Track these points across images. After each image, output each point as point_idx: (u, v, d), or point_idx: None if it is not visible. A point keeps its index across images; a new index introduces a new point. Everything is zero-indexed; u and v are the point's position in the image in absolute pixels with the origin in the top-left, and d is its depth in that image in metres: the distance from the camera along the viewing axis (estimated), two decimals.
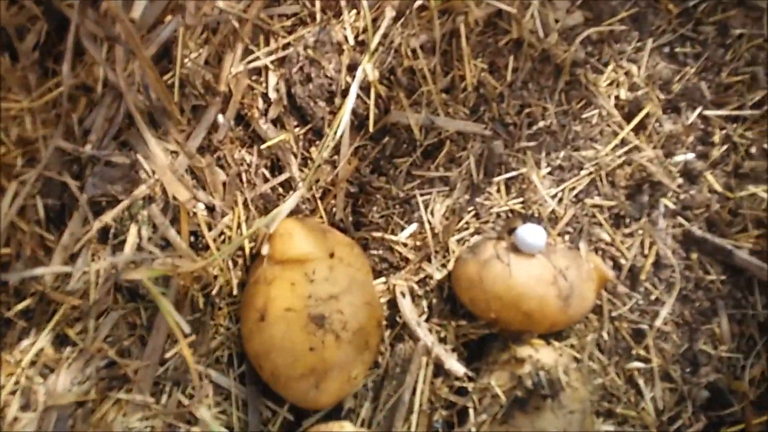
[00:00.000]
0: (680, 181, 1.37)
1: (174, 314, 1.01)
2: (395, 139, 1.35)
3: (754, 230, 1.33)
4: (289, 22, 1.33)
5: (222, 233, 1.23)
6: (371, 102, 1.29)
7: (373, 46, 1.28)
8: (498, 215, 1.33)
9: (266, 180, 1.29)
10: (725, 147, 1.39)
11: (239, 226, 1.25)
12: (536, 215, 1.30)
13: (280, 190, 1.30)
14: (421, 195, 1.34)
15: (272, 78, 1.30)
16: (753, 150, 1.38)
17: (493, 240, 1.24)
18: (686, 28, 1.45)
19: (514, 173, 1.34)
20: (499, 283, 1.16)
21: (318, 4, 1.33)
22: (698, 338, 1.30)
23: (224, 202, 1.23)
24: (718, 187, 1.36)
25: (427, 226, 1.31)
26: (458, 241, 1.31)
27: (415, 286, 1.28)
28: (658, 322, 1.28)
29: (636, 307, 1.30)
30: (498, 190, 1.34)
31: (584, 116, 1.40)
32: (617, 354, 1.28)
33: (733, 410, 1.27)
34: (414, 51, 1.33)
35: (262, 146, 1.27)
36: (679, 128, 1.40)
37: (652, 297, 1.30)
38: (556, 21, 1.39)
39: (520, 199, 1.33)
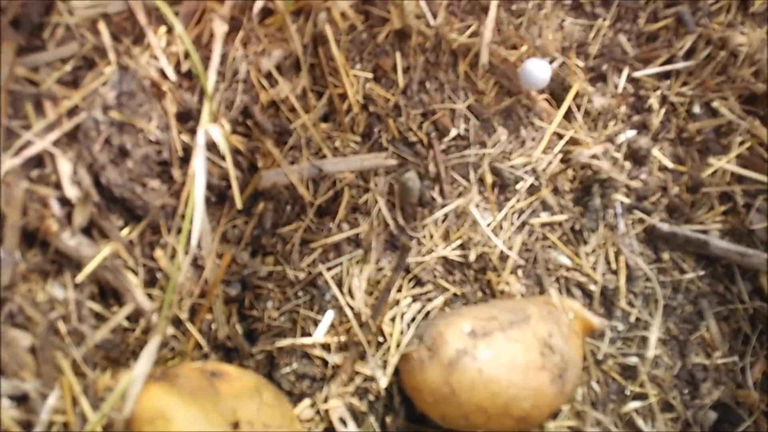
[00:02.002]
0: (627, 166, 1.10)
1: None
2: (274, 203, 0.95)
3: (720, 206, 1.10)
4: (68, 68, 0.84)
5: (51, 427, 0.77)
6: (229, 163, 0.86)
7: (210, 84, 0.84)
8: (435, 270, 0.99)
9: (100, 320, 0.83)
10: (663, 111, 1.13)
11: (75, 403, 0.79)
12: (485, 259, 0.98)
13: (126, 323, 0.86)
14: (329, 269, 0.96)
15: (64, 167, 0.82)
16: (695, 108, 1.14)
17: (448, 317, 0.89)
18: None
19: (443, 210, 0.99)
20: (479, 391, 0.83)
21: (105, 31, 0.85)
22: (689, 352, 1.08)
23: (41, 380, 0.77)
24: (669, 163, 1.11)
25: (347, 311, 0.94)
26: (393, 319, 0.96)
27: (355, 401, 0.92)
28: (649, 353, 1.03)
29: (618, 336, 1.05)
30: (427, 236, 0.99)
31: (503, 106, 1.07)
32: (611, 401, 1.02)
33: (746, 426, 1.07)
34: (269, 75, 0.90)
35: (78, 276, 0.81)
36: (610, 101, 1.12)
37: (632, 318, 1.05)
38: None
39: (458, 242, 1.00)
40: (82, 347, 0.81)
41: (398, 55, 1.01)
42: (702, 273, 1.10)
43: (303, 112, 0.93)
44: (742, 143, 1.10)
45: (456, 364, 0.84)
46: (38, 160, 0.82)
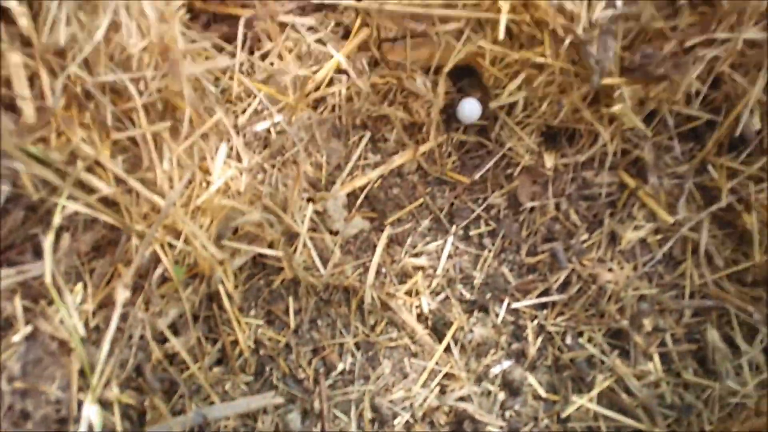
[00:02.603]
0: (502, 397, 1.21)
1: None
2: None
3: None
4: None
5: None
6: (116, 421, 0.97)
7: (105, 347, 0.96)
8: None
9: None
10: (540, 339, 1.25)
11: None
12: None
13: None
14: None
15: None
16: (568, 339, 1.26)
17: None
18: (478, 204, 1.29)
19: None
20: None
21: (18, 300, 0.96)
22: None
23: None
24: (542, 392, 1.22)
25: None
26: None
27: None
28: None
29: None
30: None
31: (389, 344, 1.18)
32: None
33: None
34: (162, 334, 1.02)
35: None
36: (490, 331, 1.23)
37: None
38: (334, 234, 1.16)
39: None
40: None
41: (291, 299, 1.13)
42: None
43: (193, 363, 1.04)
44: (604, 380, 1.21)
45: None
46: None
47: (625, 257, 1.28)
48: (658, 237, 1.27)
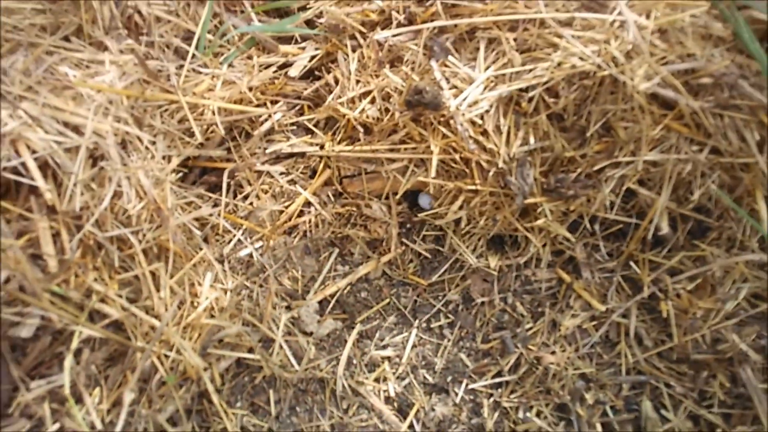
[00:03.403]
0: None
1: None
2: None
3: None
4: None
5: None
6: None
7: None
8: None
9: None
10: (497, 414, 1.44)
11: None
12: None
13: None
14: None
15: None
16: (520, 413, 1.44)
17: None
18: (438, 300, 1.50)
19: None
20: None
21: (47, 409, 1.22)
22: None
23: None
24: None
25: None
26: None
27: None
28: None
29: None
30: None
31: (360, 424, 1.40)
32: None
33: None
34: (162, 426, 1.26)
35: None
36: (450, 409, 1.43)
37: None
38: (308, 335, 1.38)
39: None
40: None
41: (271, 391, 1.36)
42: None
43: None
44: None
45: None
46: None
47: (567, 341, 1.47)
48: (594, 323, 1.46)
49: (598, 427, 1.41)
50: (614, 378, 1.44)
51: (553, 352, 1.45)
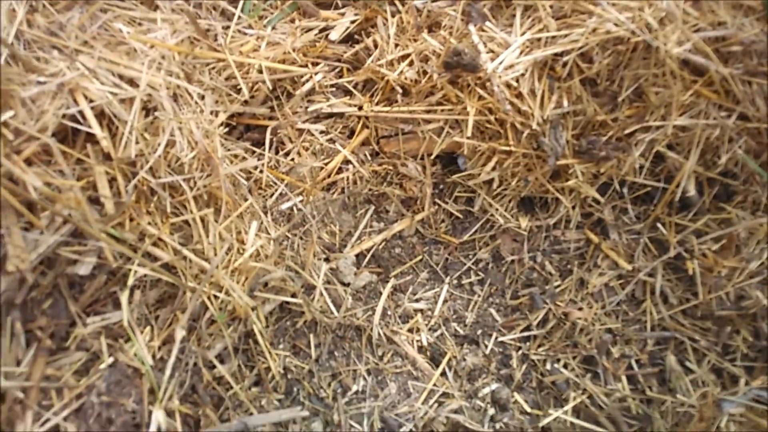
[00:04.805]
0: (492, 412, 1.47)
1: None
2: None
3: None
4: (79, 364, 1.31)
5: None
6: (178, 426, 1.30)
7: (168, 371, 1.29)
8: None
9: None
10: (525, 366, 1.50)
11: None
12: None
13: None
14: None
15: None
16: (548, 365, 1.51)
17: None
18: (468, 258, 1.56)
19: None
20: None
21: (103, 340, 1.31)
22: None
23: None
24: (528, 407, 1.47)
25: None
26: None
27: None
28: None
29: None
30: None
31: (395, 370, 1.47)
32: None
33: None
34: (211, 362, 1.35)
35: None
36: (481, 359, 1.50)
37: None
38: (346, 285, 1.46)
39: None
40: None
41: (311, 336, 1.44)
42: None
43: (236, 384, 1.36)
44: (575, 398, 1.46)
45: None
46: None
47: (594, 298, 1.52)
48: (620, 281, 1.51)
49: (624, 379, 1.47)
50: (639, 333, 1.49)
51: (580, 308, 1.51)
